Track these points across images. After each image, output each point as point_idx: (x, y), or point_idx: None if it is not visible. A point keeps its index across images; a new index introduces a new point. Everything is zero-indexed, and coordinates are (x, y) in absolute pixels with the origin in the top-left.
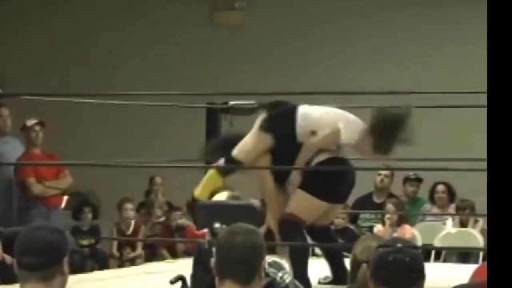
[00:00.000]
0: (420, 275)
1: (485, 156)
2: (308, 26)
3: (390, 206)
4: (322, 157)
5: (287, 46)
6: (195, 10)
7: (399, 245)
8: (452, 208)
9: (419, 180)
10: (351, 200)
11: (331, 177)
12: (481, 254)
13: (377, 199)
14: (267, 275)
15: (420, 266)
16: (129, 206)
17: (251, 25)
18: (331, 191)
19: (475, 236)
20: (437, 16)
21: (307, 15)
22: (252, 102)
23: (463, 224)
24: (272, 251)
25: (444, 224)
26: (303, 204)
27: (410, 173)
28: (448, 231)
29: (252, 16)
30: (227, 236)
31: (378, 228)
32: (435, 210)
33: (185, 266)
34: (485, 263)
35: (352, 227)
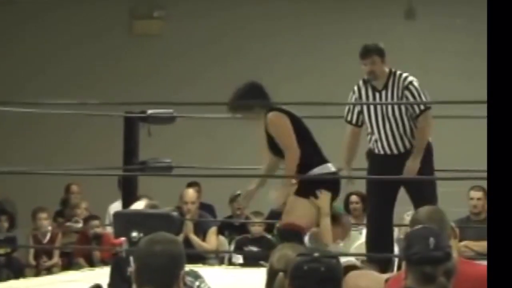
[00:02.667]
0: (335, 285)
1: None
2: (226, 34)
3: None
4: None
5: (206, 55)
6: (113, 19)
7: (316, 254)
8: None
9: None
10: (266, 209)
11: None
12: (396, 262)
13: None
14: (184, 284)
15: (336, 276)
16: (43, 215)
17: (169, 34)
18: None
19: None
20: (346, 22)
21: (225, 23)
22: (170, 111)
23: None
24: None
25: (361, 233)
26: (303, 212)
27: None
28: (363, 240)
29: (170, 25)
30: (147, 244)
31: None
32: (351, 220)
33: (102, 275)
34: (399, 272)
35: (268, 236)
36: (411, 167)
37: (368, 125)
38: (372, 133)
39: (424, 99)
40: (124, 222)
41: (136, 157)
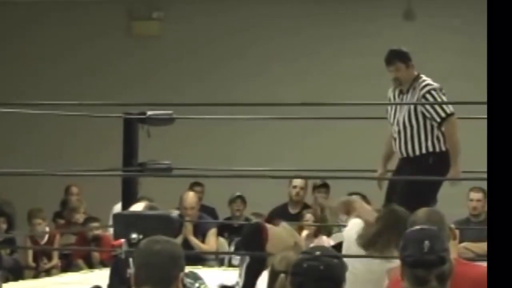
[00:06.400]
0: (333, 285)
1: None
2: (224, 36)
3: (309, 216)
4: None
5: (204, 56)
6: (112, 20)
7: (317, 253)
8: None
9: (326, 186)
10: (266, 211)
11: None
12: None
13: (292, 210)
14: (184, 285)
15: (335, 276)
16: (37, 220)
17: (168, 35)
18: None
19: None
20: (345, 24)
21: (224, 25)
22: (169, 112)
23: None
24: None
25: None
26: None
27: (318, 180)
28: None
29: (169, 26)
30: (147, 244)
31: None
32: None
33: (101, 277)
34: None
35: None
36: (451, 174)
37: (388, 118)
38: (392, 129)
39: (439, 107)
40: (123, 223)
41: (135, 159)
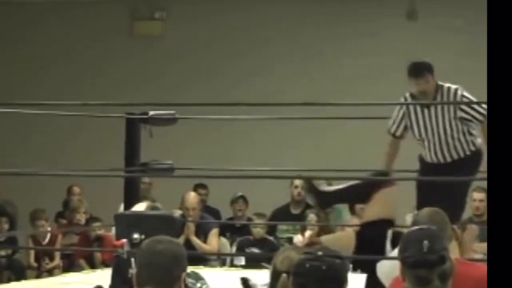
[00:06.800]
0: (336, 285)
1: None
2: (226, 36)
3: (312, 216)
4: None
5: (207, 56)
6: (114, 20)
7: (319, 253)
8: None
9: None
10: (268, 211)
11: None
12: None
13: (294, 211)
14: (186, 286)
15: (337, 276)
16: (40, 222)
17: (170, 35)
18: None
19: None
20: (347, 24)
21: (225, 25)
22: (172, 112)
23: None
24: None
25: None
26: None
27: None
28: None
29: (171, 26)
30: (149, 243)
31: (298, 238)
32: (355, 220)
33: (103, 277)
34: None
35: (270, 238)
36: None
37: (417, 136)
38: (424, 143)
39: (477, 106)
40: (125, 223)
41: (138, 159)
